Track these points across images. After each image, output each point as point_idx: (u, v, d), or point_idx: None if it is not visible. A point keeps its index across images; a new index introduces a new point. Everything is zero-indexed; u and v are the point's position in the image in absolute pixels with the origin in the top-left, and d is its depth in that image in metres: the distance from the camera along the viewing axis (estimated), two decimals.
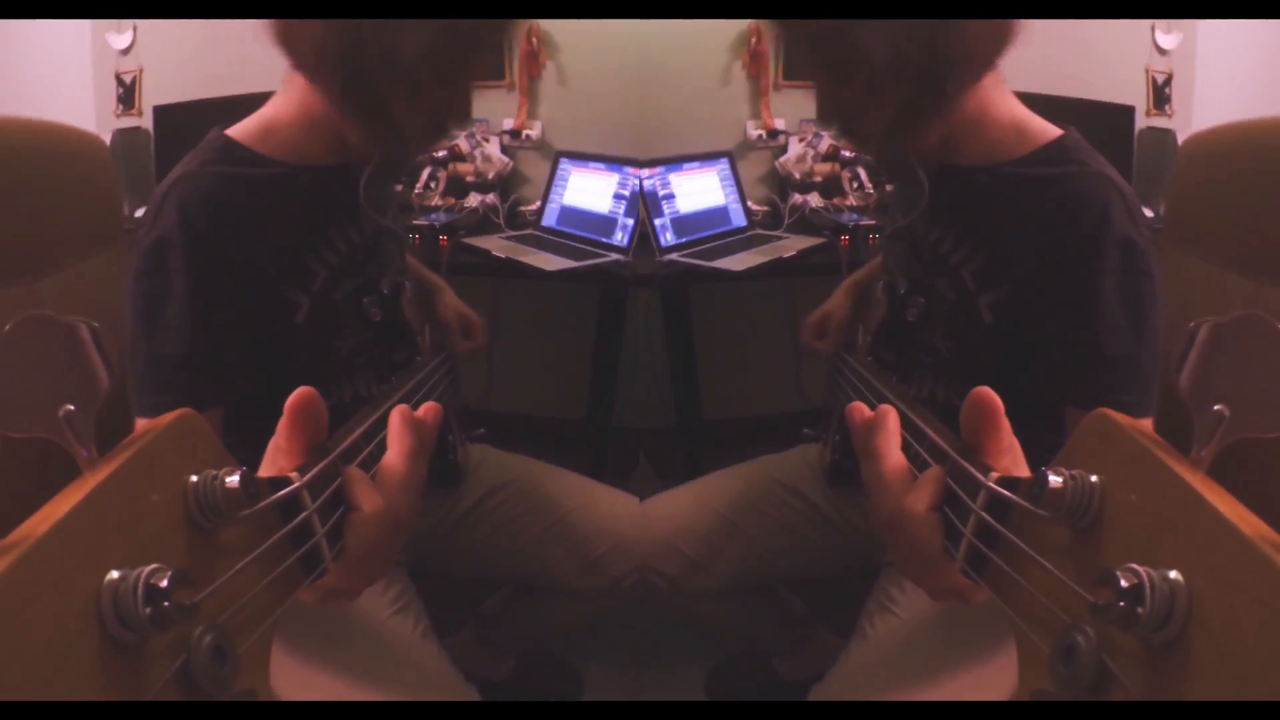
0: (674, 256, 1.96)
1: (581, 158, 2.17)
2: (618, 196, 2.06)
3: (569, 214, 2.13)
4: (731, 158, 2.20)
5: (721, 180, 2.18)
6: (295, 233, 0.92)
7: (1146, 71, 2.20)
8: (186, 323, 0.84)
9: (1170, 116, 2.21)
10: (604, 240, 2.03)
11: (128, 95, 2.13)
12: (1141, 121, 2.14)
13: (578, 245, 2.03)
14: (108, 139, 1.95)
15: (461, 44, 0.86)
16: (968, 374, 0.97)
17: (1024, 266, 0.89)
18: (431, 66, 0.85)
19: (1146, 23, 2.18)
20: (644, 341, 2.22)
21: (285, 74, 0.90)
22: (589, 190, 2.12)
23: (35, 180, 1.07)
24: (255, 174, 0.88)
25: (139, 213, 1.96)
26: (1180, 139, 1.97)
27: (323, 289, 0.95)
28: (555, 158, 2.20)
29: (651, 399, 2.20)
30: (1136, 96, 2.18)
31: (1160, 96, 2.21)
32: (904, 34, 0.81)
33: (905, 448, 0.59)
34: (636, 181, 2.04)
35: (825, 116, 0.96)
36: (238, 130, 0.91)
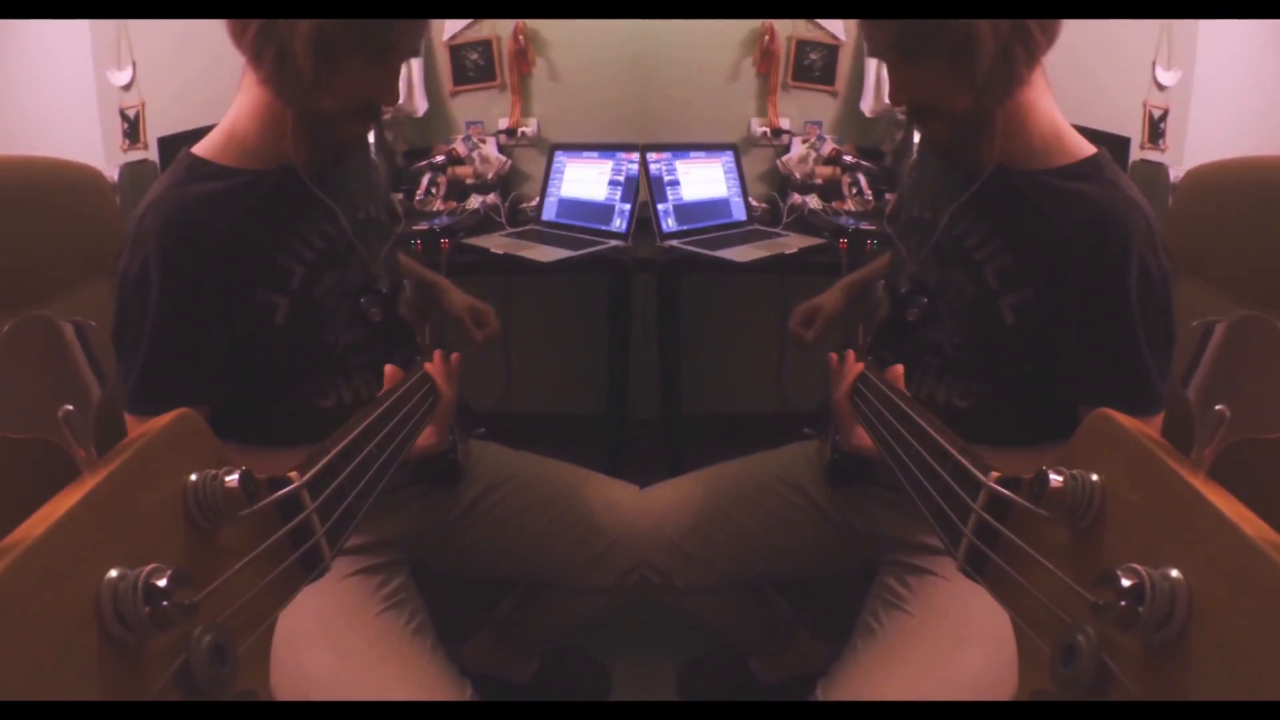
0: (674, 243, 1.96)
1: (575, 148, 2.17)
2: (613, 183, 2.06)
3: (567, 205, 2.13)
4: (736, 151, 2.20)
5: (725, 172, 2.18)
6: (266, 236, 0.94)
7: (1144, 105, 2.25)
8: (167, 343, 0.88)
9: (1163, 151, 2.26)
10: (603, 228, 2.03)
11: (132, 130, 2.18)
12: (1135, 154, 2.19)
13: (577, 235, 2.03)
14: (116, 174, 2.00)
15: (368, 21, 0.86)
16: (980, 371, 0.98)
17: (1049, 274, 0.91)
18: (345, 40, 0.84)
19: (1148, 58, 2.22)
20: (646, 329, 2.23)
21: (241, 74, 0.92)
22: (585, 180, 2.12)
23: (37, 214, 1.11)
24: (220, 187, 0.91)
25: None
26: (1172, 173, 2.02)
27: (301, 287, 0.96)
28: (550, 150, 2.20)
29: (644, 389, 2.22)
30: (1132, 129, 2.22)
31: (1155, 131, 2.26)
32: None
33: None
34: (631, 166, 2.03)
35: (900, 95, 0.94)
36: (203, 146, 0.94)
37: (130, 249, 0.88)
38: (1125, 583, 0.33)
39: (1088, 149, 0.93)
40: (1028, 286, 0.93)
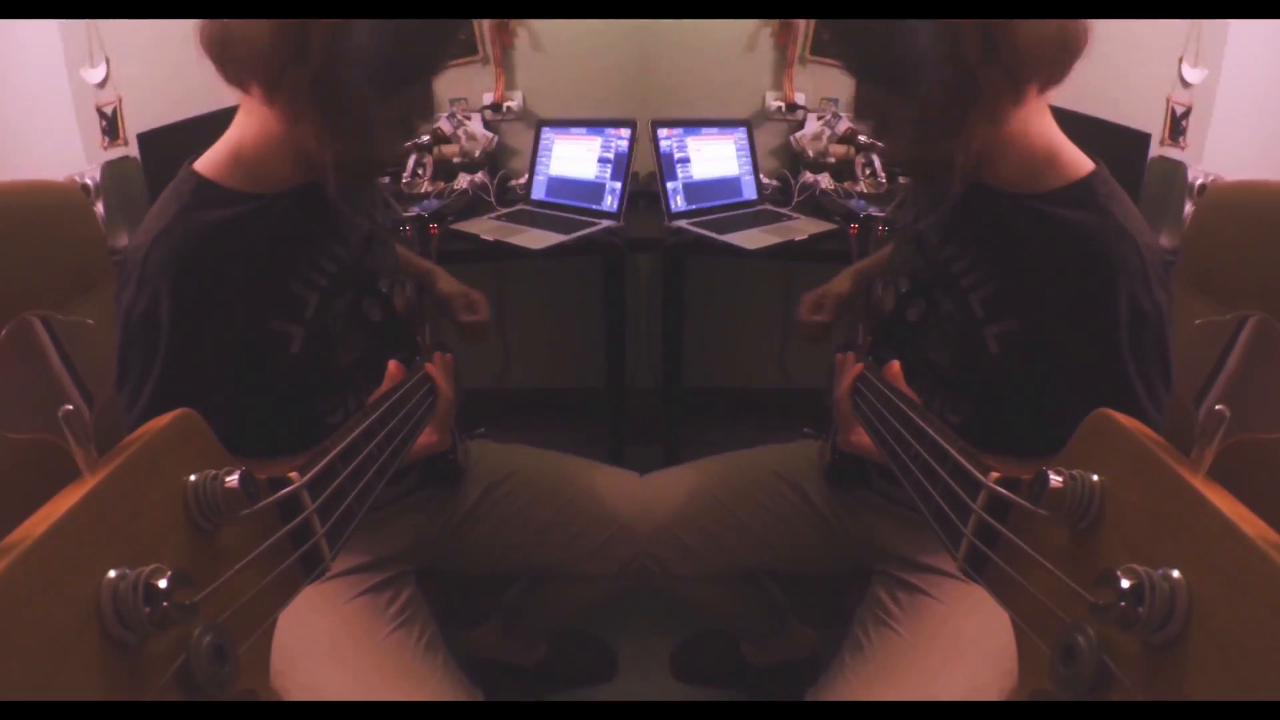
0: (682, 224, 1.94)
1: (563, 124, 2.13)
2: (602, 160, 2.03)
3: (557, 184, 2.10)
4: (749, 128, 2.17)
5: (738, 149, 2.14)
6: (281, 264, 0.91)
7: (1167, 101, 2.20)
8: (177, 380, 0.84)
9: (1183, 149, 2.20)
10: (594, 207, 2.00)
11: (111, 127, 2.13)
12: (1154, 150, 2.13)
13: (568, 216, 2.00)
14: (97, 173, 1.97)
15: (422, 39, 0.82)
16: (969, 395, 0.97)
17: (1034, 306, 0.88)
18: (392, 66, 0.80)
19: (1175, 53, 2.18)
20: (643, 306, 2.21)
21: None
22: (574, 157, 2.09)
23: (20, 240, 1.10)
24: (231, 215, 0.87)
25: None
26: (1190, 172, 1.99)
27: (316, 314, 0.93)
28: (537, 127, 2.16)
29: (644, 364, 2.22)
30: (1153, 124, 2.17)
31: (1177, 128, 2.20)
32: (943, 38, 0.76)
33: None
34: (620, 142, 2.01)
35: (860, 113, 0.92)
36: (207, 164, 0.89)
37: (137, 284, 0.84)
38: (1125, 583, 0.33)
39: (1084, 168, 0.88)
40: (1013, 317, 0.90)
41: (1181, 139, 2.21)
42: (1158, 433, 0.83)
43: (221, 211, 0.87)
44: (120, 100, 2.14)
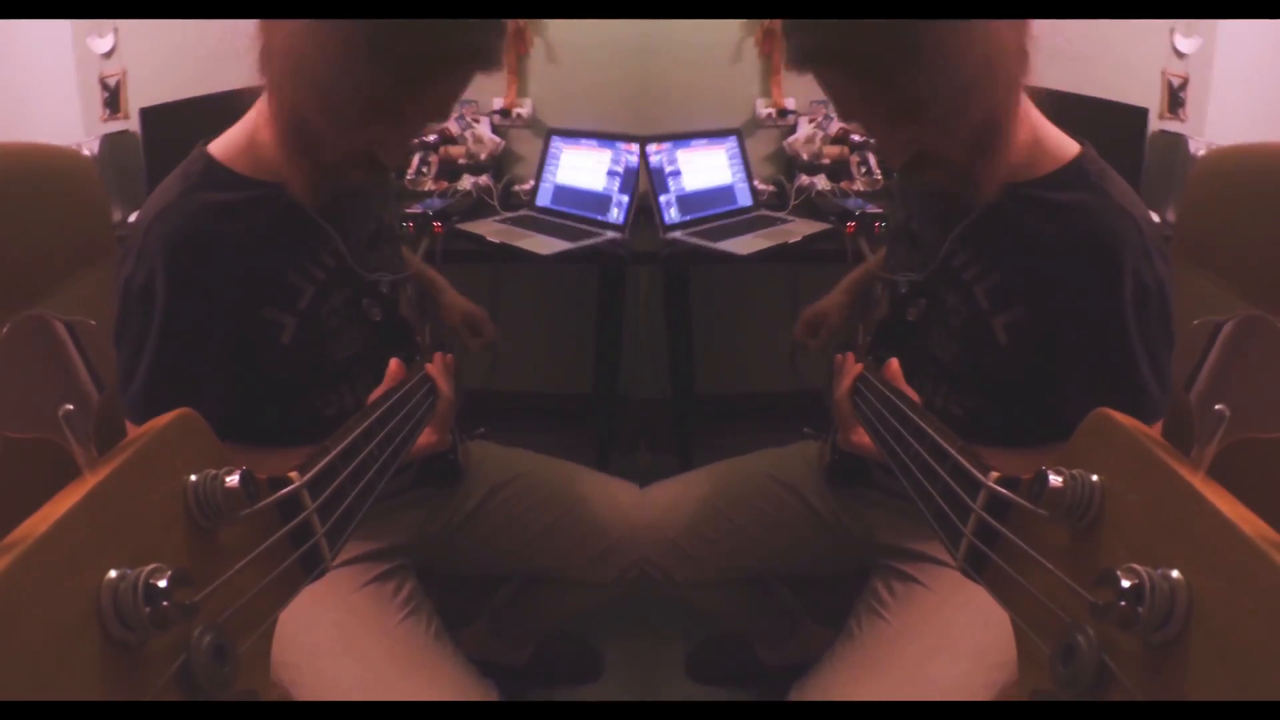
0: (677, 235, 1.94)
1: (573, 135, 2.14)
2: (611, 173, 2.04)
3: (563, 193, 2.11)
4: (740, 136, 2.17)
5: (729, 158, 2.15)
6: (278, 253, 0.91)
7: (1163, 74, 2.18)
8: (171, 358, 0.85)
9: (1183, 121, 2.18)
10: (599, 218, 2.01)
11: (113, 99, 2.11)
12: (1154, 124, 2.11)
13: (573, 225, 2.01)
14: (96, 144, 1.94)
15: (405, 88, 0.80)
16: (977, 385, 0.97)
17: (1039, 291, 0.88)
18: (370, 110, 0.80)
19: (1166, 25, 2.15)
20: (643, 316, 2.21)
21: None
22: (582, 168, 2.10)
23: (23, 204, 1.07)
24: (234, 199, 0.87)
25: (131, 218, 1.95)
26: (1192, 144, 1.96)
27: (310, 307, 0.94)
28: (547, 136, 2.17)
29: (648, 373, 2.22)
30: (1150, 98, 2.15)
31: (1175, 100, 2.18)
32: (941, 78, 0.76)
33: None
34: (630, 157, 2.01)
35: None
36: (221, 147, 0.90)
37: (135, 258, 0.85)
38: (1125, 583, 0.33)
39: (1070, 150, 0.89)
40: (1019, 304, 0.90)
41: (1181, 111, 2.18)
42: (1161, 414, 0.85)
43: (225, 194, 0.88)
44: (125, 73, 2.11)
